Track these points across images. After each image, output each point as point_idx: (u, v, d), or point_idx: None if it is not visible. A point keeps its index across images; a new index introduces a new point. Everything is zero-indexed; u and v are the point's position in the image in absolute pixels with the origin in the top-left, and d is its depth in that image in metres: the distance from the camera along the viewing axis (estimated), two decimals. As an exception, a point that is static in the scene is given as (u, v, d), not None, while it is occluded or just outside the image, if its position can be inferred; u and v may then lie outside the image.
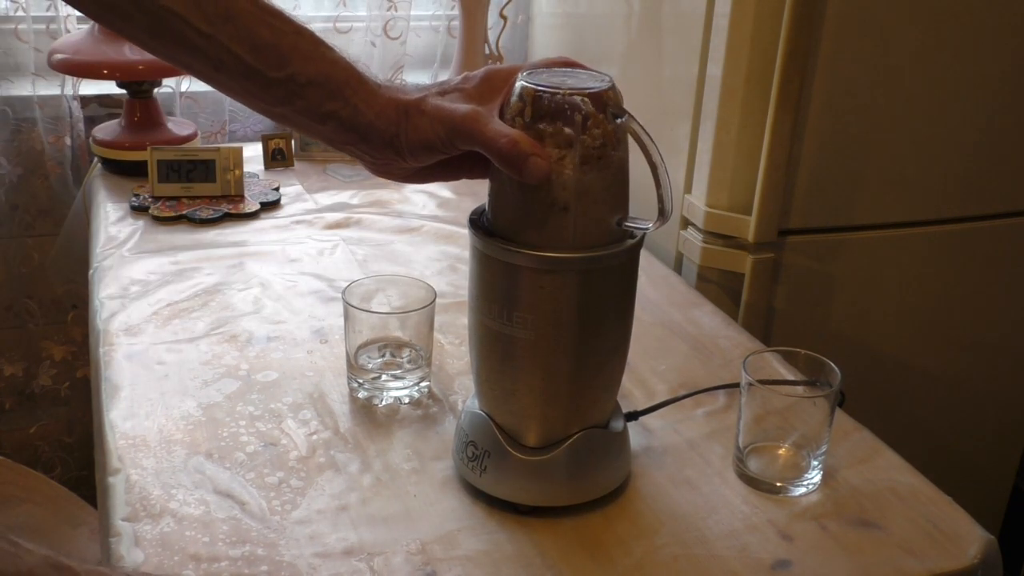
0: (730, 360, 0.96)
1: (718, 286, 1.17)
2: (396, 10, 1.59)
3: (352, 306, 0.85)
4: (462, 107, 0.66)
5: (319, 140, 0.70)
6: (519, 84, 0.66)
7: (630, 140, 0.67)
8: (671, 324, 1.04)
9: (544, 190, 0.65)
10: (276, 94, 0.66)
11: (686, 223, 1.19)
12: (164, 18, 0.62)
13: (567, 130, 0.64)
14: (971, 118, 1.18)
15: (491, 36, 1.58)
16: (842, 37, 1.08)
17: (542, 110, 0.65)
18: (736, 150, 1.12)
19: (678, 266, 1.22)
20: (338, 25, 1.61)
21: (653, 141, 0.66)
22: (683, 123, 1.17)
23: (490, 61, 1.55)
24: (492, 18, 1.58)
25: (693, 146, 1.17)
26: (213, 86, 0.68)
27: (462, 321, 0.91)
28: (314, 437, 0.82)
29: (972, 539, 0.73)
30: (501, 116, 0.66)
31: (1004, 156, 1.23)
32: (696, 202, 1.16)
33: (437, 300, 0.88)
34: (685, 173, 1.18)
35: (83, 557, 1.20)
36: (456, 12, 1.55)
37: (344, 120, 0.67)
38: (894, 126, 1.15)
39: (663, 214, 0.67)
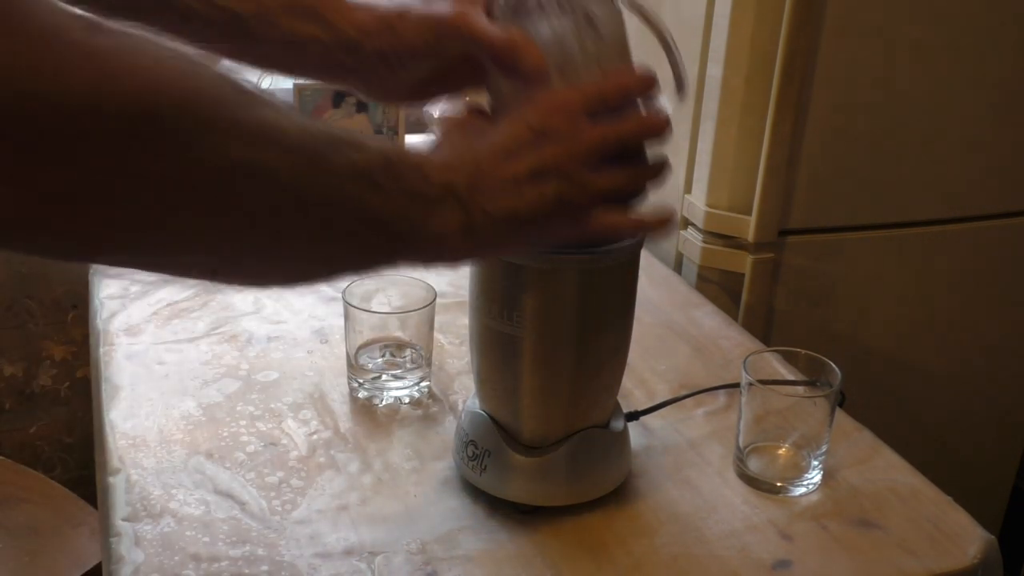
0: (730, 360, 0.96)
1: (718, 286, 1.17)
2: (396, 10, 1.58)
3: (352, 306, 0.85)
4: (447, 8, 0.63)
5: (307, 75, 0.68)
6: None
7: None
8: (671, 324, 1.04)
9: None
10: (251, 31, 0.63)
11: (686, 223, 1.19)
12: None
13: (562, 26, 0.62)
14: (971, 118, 1.18)
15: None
16: (842, 37, 1.08)
17: (533, 9, 0.62)
18: (736, 150, 1.12)
19: (678, 266, 1.22)
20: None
21: (659, 17, 0.64)
22: (683, 123, 1.17)
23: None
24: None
25: (693, 146, 1.17)
26: (186, 42, 0.63)
27: (462, 321, 0.91)
28: (314, 437, 0.82)
29: (972, 539, 0.73)
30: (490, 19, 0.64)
31: (1004, 156, 1.22)
32: (696, 202, 1.16)
33: (437, 300, 0.88)
34: (685, 173, 1.18)
35: (83, 557, 1.20)
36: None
37: (326, 43, 0.64)
38: (894, 126, 1.15)
39: (681, 88, 0.65)
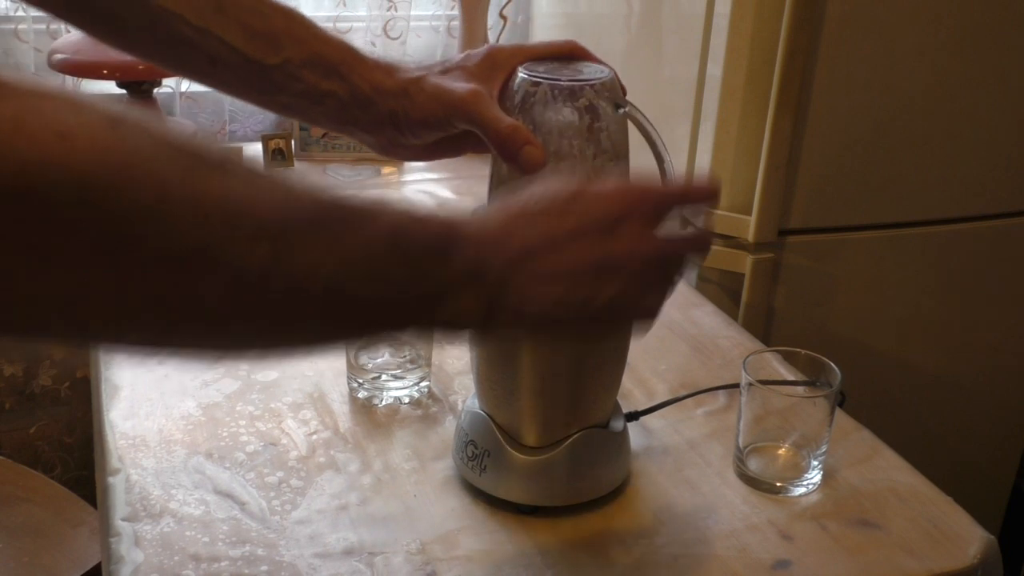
0: (730, 360, 0.96)
1: (718, 286, 1.17)
2: (396, 10, 1.59)
3: (352, 306, 0.85)
4: (462, 86, 0.65)
5: (321, 125, 0.69)
6: (519, 75, 0.66)
7: (631, 132, 0.67)
8: (671, 324, 1.04)
9: None
10: (274, 81, 0.65)
11: (686, 223, 1.19)
12: (158, 18, 0.62)
13: (568, 122, 0.64)
14: (971, 118, 1.18)
15: (491, 36, 1.58)
16: (842, 37, 1.08)
17: (542, 102, 0.64)
18: (736, 150, 1.12)
19: (678, 266, 1.22)
20: (338, 25, 1.61)
21: (656, 131, 0.66)
22: (683, 123, 1.17)
23: (490, 61, 1.55)
24: (492, 18, 1.58)
25: (693, 146, 1.17)
26: (212, 85, 0.67)
27: (462, 321, 0.91)
28: (314, 437, 0.82)
29: (972, 539, 0.73)
30: (502, 103, 0.66)
31: (1004, 156, 1.22)
32: (696, 202, 1.16)
33: (437, 300, 0.87)
34: (685, 173, 1.18)
35: (83, 557, 1.20)
36: (456, 12, 1.55)
37: (343, 98, 0.66)
38: (894, 126, 1.15)
39: None
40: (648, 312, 0.57)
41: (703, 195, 0.61)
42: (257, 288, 0.43)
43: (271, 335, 0.46)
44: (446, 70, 0.67)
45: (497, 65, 0.67)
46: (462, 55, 0.68)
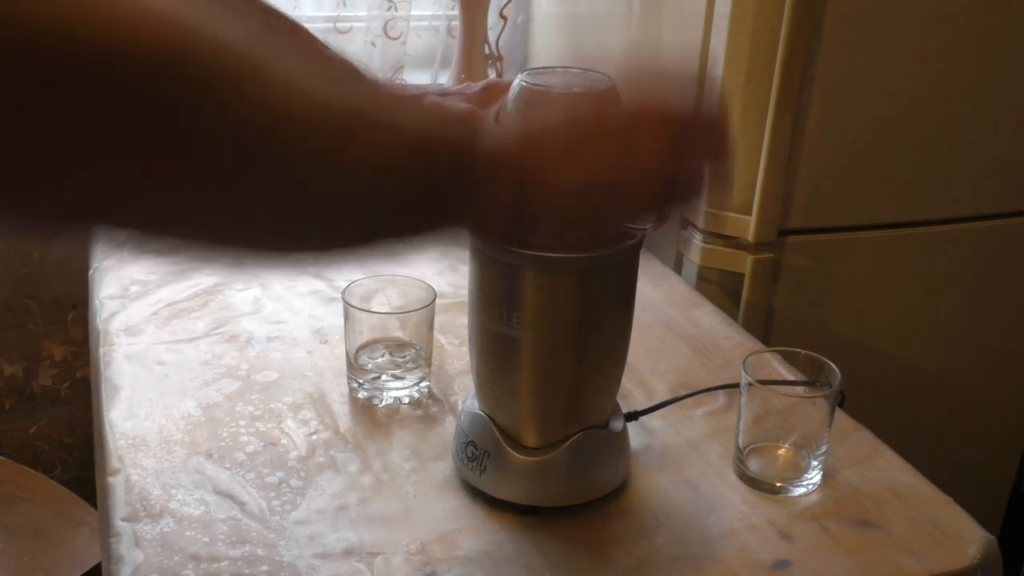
0: (730, 360, 0.96)
1: (718, 286, 1.17)
2: (396, 10, 1.59)
3: (352, 306, 0.85)
4: (459, 106, 0.66)
5: None
6: (516, 83, 0.66)
7: None
8: (671, 324, 1.04)
9: None
10: None
11: (686, 223, 1.19)
12: None
13: None
14: (971, 118, 1.18)
15: (491, 36, 1.58)
16: (842, 37, 1.08)
17: (539, 110, 0.64)
18: (736, 150, 1.12)
19: (678, 266, 1.22)
20: (338, 25, 1.61)
21: None
22: (683, 123, 1.17)
23: (490, 61, 1.55)
24: (492, 18, 1.58)
25: (693, 146, 1.17)
26: None
27: (462, 321, 0.91)
28: (314, 437, 0.82)
29: (972, 539, 0.73)
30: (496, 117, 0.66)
31: (1004, 156, 1.22)
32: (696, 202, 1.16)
33: (437, 300, 0.88)
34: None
35: (83, 557, 1.20)
36: (456, 12, 1.55)
37: None
38: (894, 126, 1.15)
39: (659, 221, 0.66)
40: (690, 187, 0.57)
41: (721, 139, 0.59)
42: (320, 171, 0.45)
43: (321, 220, 0.48)
44: (444, 93, 0.68)
45: (494, 95, 0.68)
46: (461, 84, 0.69)
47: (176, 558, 0.68)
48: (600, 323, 0.69)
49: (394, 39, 1.60)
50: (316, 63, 0.46)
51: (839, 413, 0.83)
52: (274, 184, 0.44)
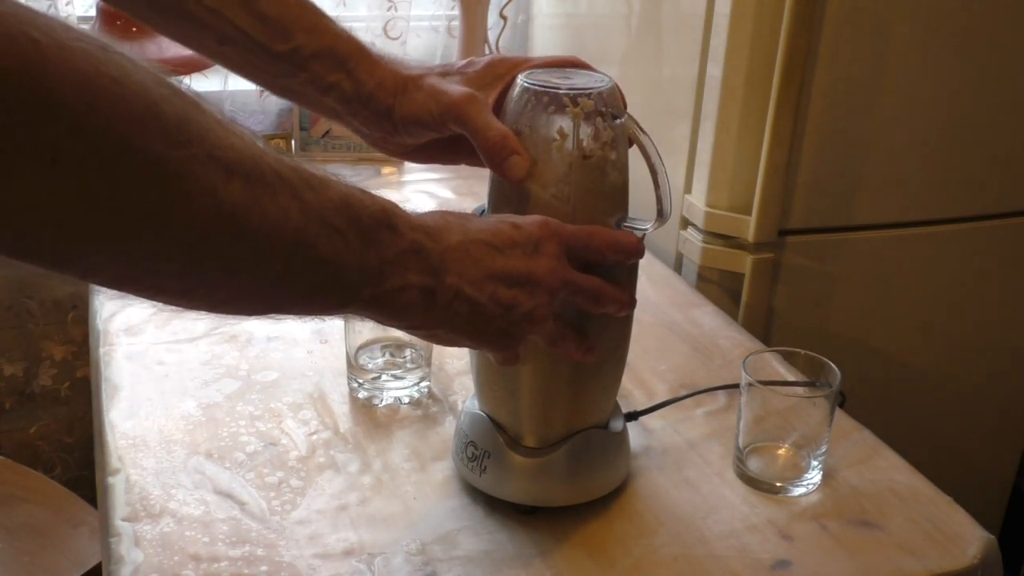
0: (730, 360, 0.96)
1: (718, 286, 1.17)
2: (396, 10, 1.59)
3: (352, 306, 0.85)
4: (459, 89, 0.66)
5: (319, 113, 0.70)
6: (519, 82, 0.66)
7: (630, 141, 0.67)
8: (671, 324, 1.04)
9: (544, 191, 0.65)
10: (281, 67, 0.66)
11: (686, 223, 1.19)
12: None
13: (566, 131, 0.64)
14: (971, 118, 1.18)
15: (491, 36, 1.58)
16: (842, 37, 1.08)
17: (541, 110, 0.65)
18: (736, 150, 1.12)
19: (678, 266, 1.22)
20: (338, 25, 1.61)
21: (653, 143, 0.66)
22: (683, 123, 1.17)
23: (490, 61, 1.55)
24: (492, 18, 1.58)
25: (693, 146, 1.17)
26: (217, 61, 0.67)
27: (462, 321, 0.91)
28: (314, 437, 0.82)
29: (972, 539, 0.73)
30: (498, 112, 0.66)
31: (1004, 156, 1.22)
32: (696, 202, 1.16)
33: (437, 300, 0.87)
34: (685, 173, 1.18)
35: (83, 557, 1.20)
36: (456, 12, 1.55)
37: (346, 91, 0.66)
38: (894, 126, 1.15)
39: (662, 215, 0.67)
40: (544, 332, 0.62)
41: (612, 250, 0.64)
42: (235, 221, 0.44)
43: (239, 276, 0.47)
44: (446, 73, 0.68)
45: (497, 74, 0.68)
46: (465, 61, 0.69)
47: (176, 558, 0.68)
48: (600, 323, 0.69)
49: (394, 39, 1.61)
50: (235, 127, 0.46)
51: (839, 413, 0.83)
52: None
